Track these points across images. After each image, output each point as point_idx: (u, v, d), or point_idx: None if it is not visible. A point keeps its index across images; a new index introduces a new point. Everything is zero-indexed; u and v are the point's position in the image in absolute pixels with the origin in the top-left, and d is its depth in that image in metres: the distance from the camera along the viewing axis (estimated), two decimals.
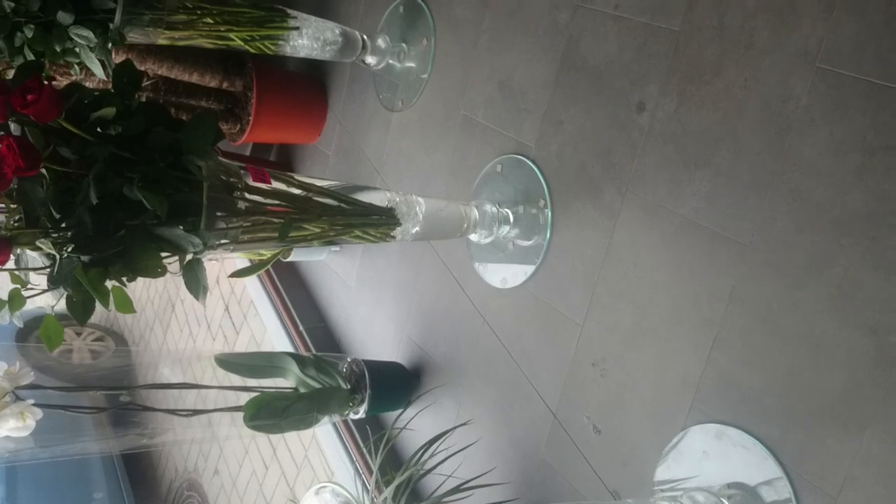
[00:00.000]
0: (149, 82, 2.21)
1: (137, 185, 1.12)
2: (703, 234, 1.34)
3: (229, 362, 1.84)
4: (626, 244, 1.47)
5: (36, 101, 1.03)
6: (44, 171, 1.07)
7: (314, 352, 2.12)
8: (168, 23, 1.67)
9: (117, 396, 1.59)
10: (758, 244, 1.26)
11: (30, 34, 1.45)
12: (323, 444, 2.17)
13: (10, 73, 1.44)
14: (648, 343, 1.41)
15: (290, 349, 2.19)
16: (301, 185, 1.47)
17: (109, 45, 1.54)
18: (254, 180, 1.36)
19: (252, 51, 1.86)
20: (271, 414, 1.68)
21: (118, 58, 1.97)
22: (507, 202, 1.74)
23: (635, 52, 1.48)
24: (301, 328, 2.18)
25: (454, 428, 1.69)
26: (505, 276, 1.74)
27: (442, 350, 1.93)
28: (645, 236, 1.44)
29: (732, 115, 1.31)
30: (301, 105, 2.45)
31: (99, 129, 1.14)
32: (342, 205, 1.49)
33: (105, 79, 1.57)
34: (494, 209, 1.71)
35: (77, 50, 1.52)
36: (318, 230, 1.47)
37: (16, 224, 1.12)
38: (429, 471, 1.59)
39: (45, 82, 1.07)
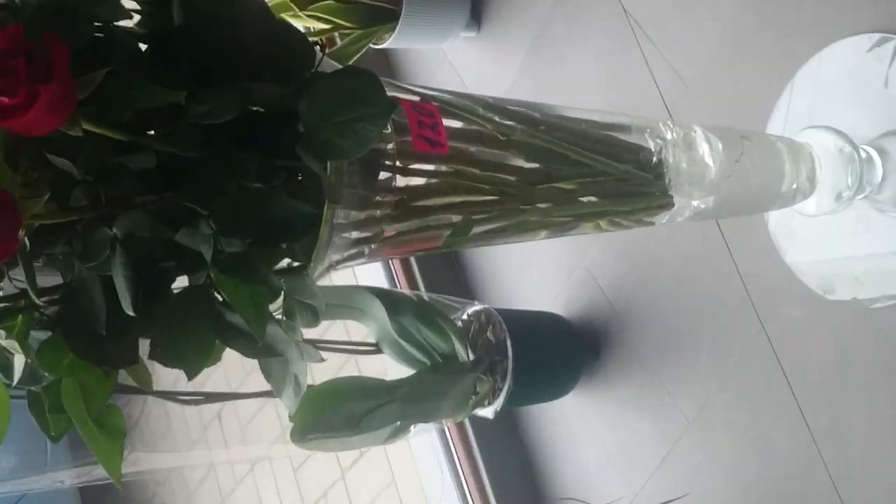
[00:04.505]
0: None
1: (215, 261, 0.46)
2: None
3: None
4: None
5: (25, 107, 0.40)
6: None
7: (422, 291, 1.26)
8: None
9: None
10: None
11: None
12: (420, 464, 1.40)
13: None
14: None
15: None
16: (500, 122, 0.67)
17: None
18: (416, 146, 0.58)
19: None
20: (342, 423, 0.91)
21: None
22: (865, 135, 0.88)
23: None
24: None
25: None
26: (832, 277, 0.92)
27: (654, 324, 1.16)
28: None
29: None
30: None
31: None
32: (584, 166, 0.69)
33: None
34: (847, 146, 0.85)
35: None
36: (519, 221, 0.70)
37: None
38: None
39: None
